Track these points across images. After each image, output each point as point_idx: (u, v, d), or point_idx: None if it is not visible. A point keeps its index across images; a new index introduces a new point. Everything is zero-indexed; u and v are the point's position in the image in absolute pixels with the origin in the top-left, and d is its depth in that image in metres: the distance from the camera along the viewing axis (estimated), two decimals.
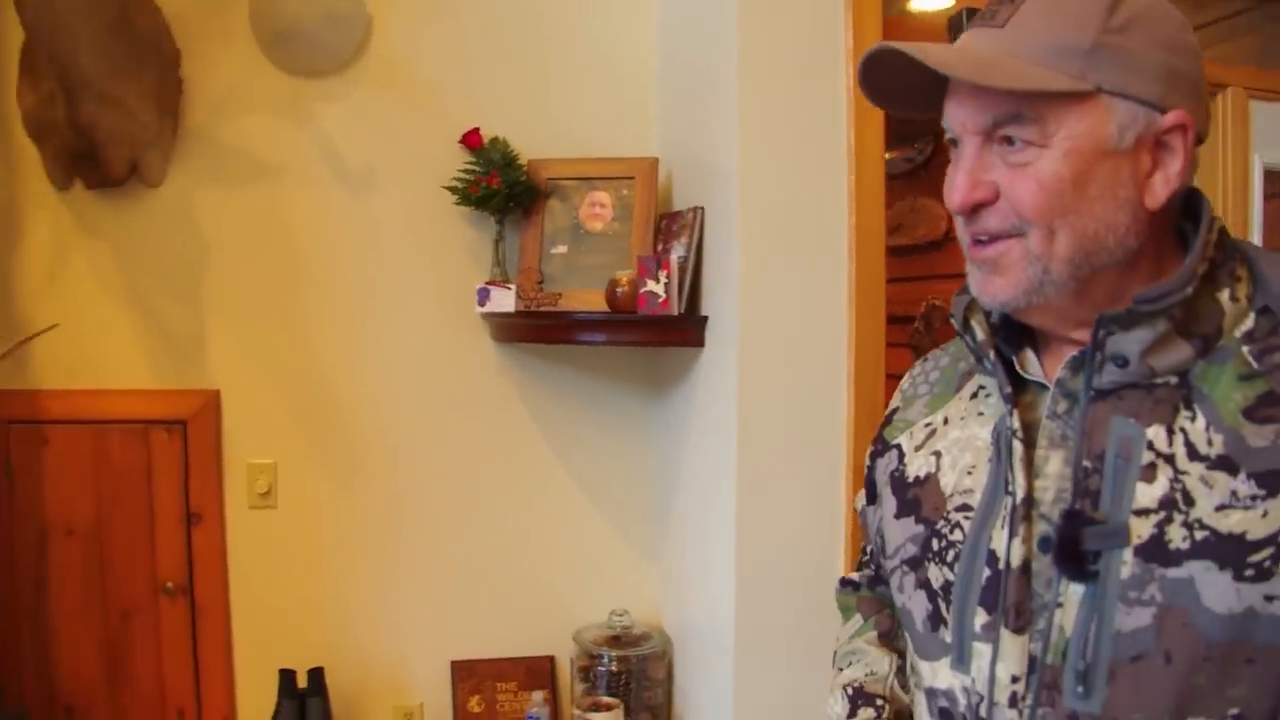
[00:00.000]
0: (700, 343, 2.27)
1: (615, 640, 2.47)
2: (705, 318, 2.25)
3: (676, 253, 2.27)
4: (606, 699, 2.34)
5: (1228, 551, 0.88)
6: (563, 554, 2.61)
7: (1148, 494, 0.92)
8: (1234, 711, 0.88)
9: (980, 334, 1.07)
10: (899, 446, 1.19)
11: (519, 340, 2.49)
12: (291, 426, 2.49)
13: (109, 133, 2.31)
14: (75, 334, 2.33)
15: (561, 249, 2.44)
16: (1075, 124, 0.92)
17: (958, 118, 0.98)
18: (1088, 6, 0.93)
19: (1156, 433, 0.94)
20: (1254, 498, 0.88)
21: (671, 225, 2.34)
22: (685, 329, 2.27)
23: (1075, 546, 0.94)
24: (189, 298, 2.46)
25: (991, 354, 1.05)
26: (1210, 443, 0.91)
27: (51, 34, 2.14)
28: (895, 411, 1.23)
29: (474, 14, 2.52)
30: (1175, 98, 0.92)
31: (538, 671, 2.58)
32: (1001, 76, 0.93)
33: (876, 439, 1.25)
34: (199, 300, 2.46)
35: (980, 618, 1.01)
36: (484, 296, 2.42)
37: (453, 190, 2.43)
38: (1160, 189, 0.94)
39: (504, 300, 2.41)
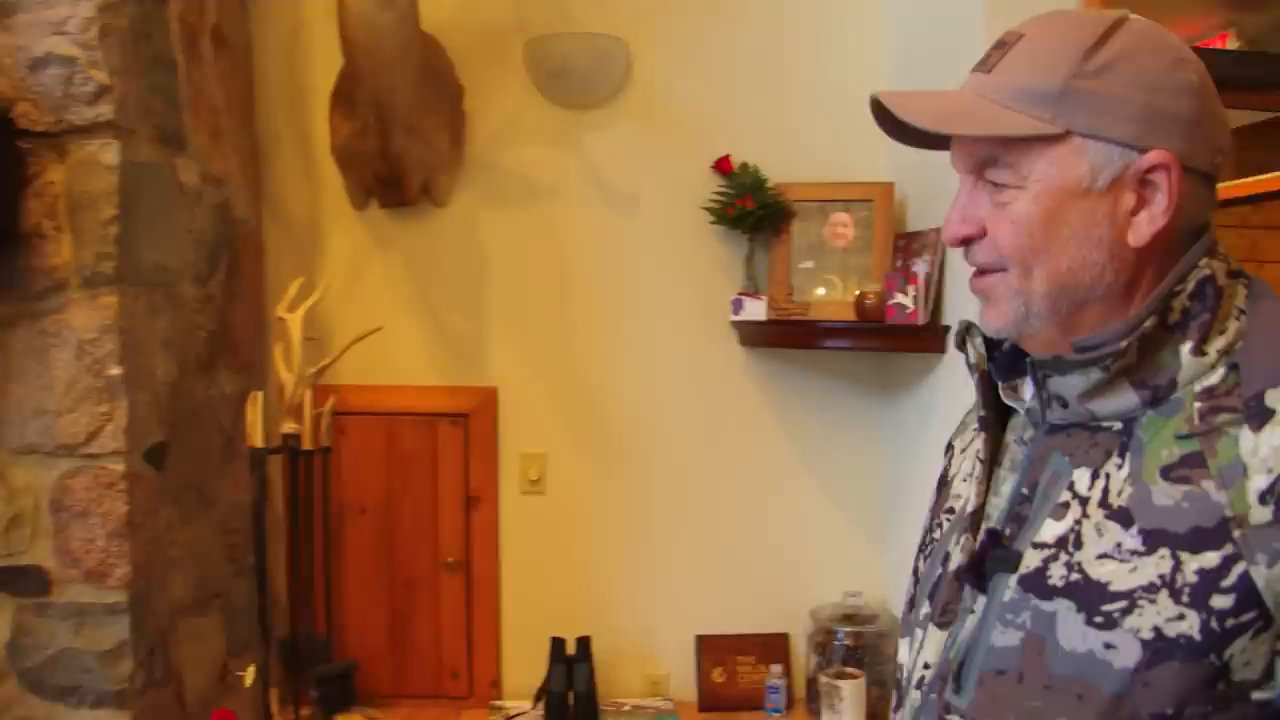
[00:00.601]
0: (941, 349, 2.51)
1: (849, 618, 2.72)
2: (947, 326, 2.50)
3: (921, 268, 2.52)
4: (850, 669, 2.59)
5: (1088, 596, 0.92)
6: (798, 541, 2.86)
7: (1050, 530, 0.97)
8: None
9: (973, 356, 1.11)
10: (953, 447, 1.26)
11: (766, 345, 2.76)
12: (560, 420, 2.78)
13: (413, 160, 2.62)
14: (372, 337, 2.61)
15: (808, 264, 2.70)
16: (1047, 166, 0.95)
17: (953, 158, 1.04)
18: (1065, 50, 0.94)
19: (1081, 475, 0.97)
20: (1133, 553, 0.90)
21: (911, 244, 2.60)
22: (927, 336, 2.51)
23: (981, 564, 1.02)
24: (471, 305, 2.77)
25: (975, 377, 1.11)
26: (1120, 493, 0.93)
27: (376, 75, 2.45)
28: (967, 415, 1.27)
29: (723, 50, 2.78)
30: (1155, 137, 0.92)
31: (774, 647, 2.84)
32: (963, 124, 0.98)
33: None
34: (480, 307, 2.77)
35: (924, 609, 1.10)
36: (738, 306, 2.68)
37: (710, 210, 2.70)
38: (1145, 227, 0.94)
39: (756, 309, 2.67)
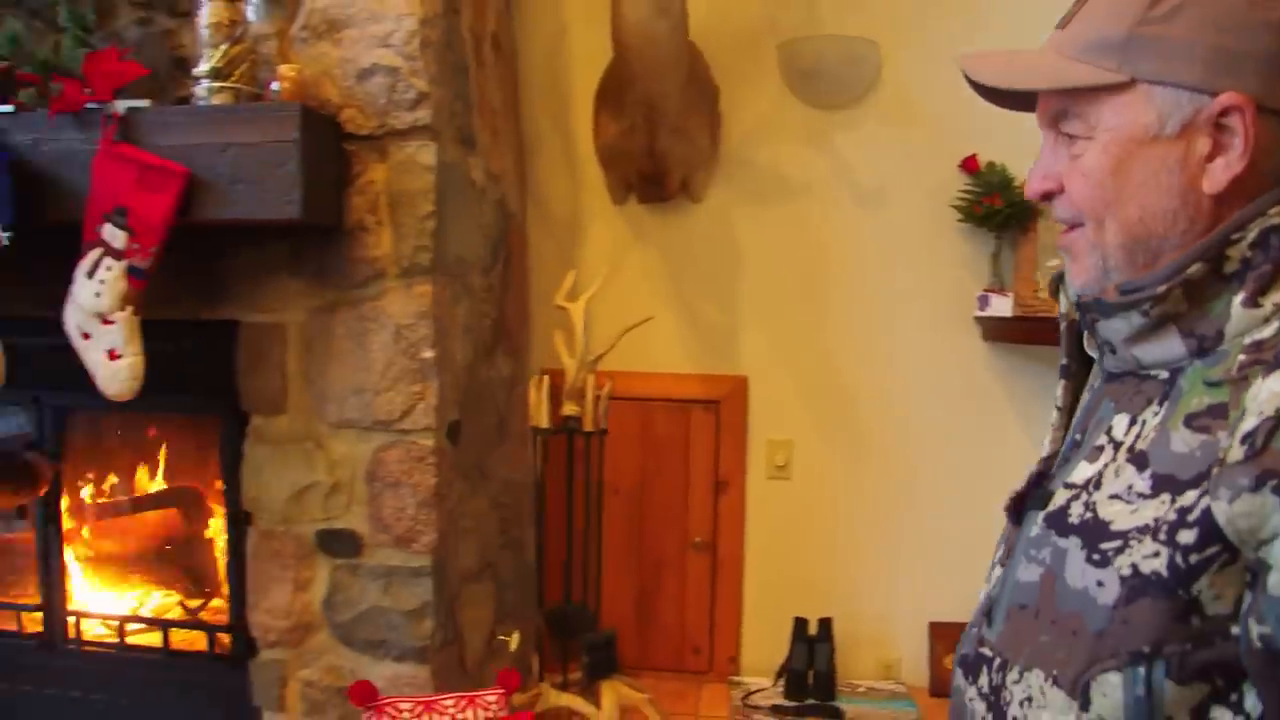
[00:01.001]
0: None
1: None
2: None
3: None
4: None
5: (1093, 534, 0.91)
6: None
7: (1082, 472, 0.97)
8: (1055, 672, 0.92)
9: (1064, 305, 1.10)
10: None
11: (1009, 340, 2.80)
12: (807, 409, 2.89)
13: (676, 158, 2.76)
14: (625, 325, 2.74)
15: (1054, 262, 2.74)
16: (1114, 116, 0.93)
17: (1037, 115, 1.03)
18: None
19: (1120, 420, 0.96)
20: (1140, 495, 0.89)
21: None
22: None
23: (1022, 502, 1.05)
24: (724, 297, 2.89)
25: (1063, 325, 1.10)
26: (1143, 437, 0.92)
27: (649, 79, 2.59)
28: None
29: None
30: (1227, 79, 0.88)
31: None
32: (1025, 78, 0.99)
33: None
34: (732, 299, 2.89)
35: (1000, 550, 1.11)
36: (984, 301, 2.74)
37: (957, 209, 2.76)
38: (1220, 173, 0.90)
39: (1002, 305, 2.72)
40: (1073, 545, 0.93)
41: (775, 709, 2.72)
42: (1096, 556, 0.90)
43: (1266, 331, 0.87)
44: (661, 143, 2.70)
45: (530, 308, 2.91)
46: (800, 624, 2.81)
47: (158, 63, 2.23)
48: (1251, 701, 0.83)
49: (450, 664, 2.38)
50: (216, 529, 2.72)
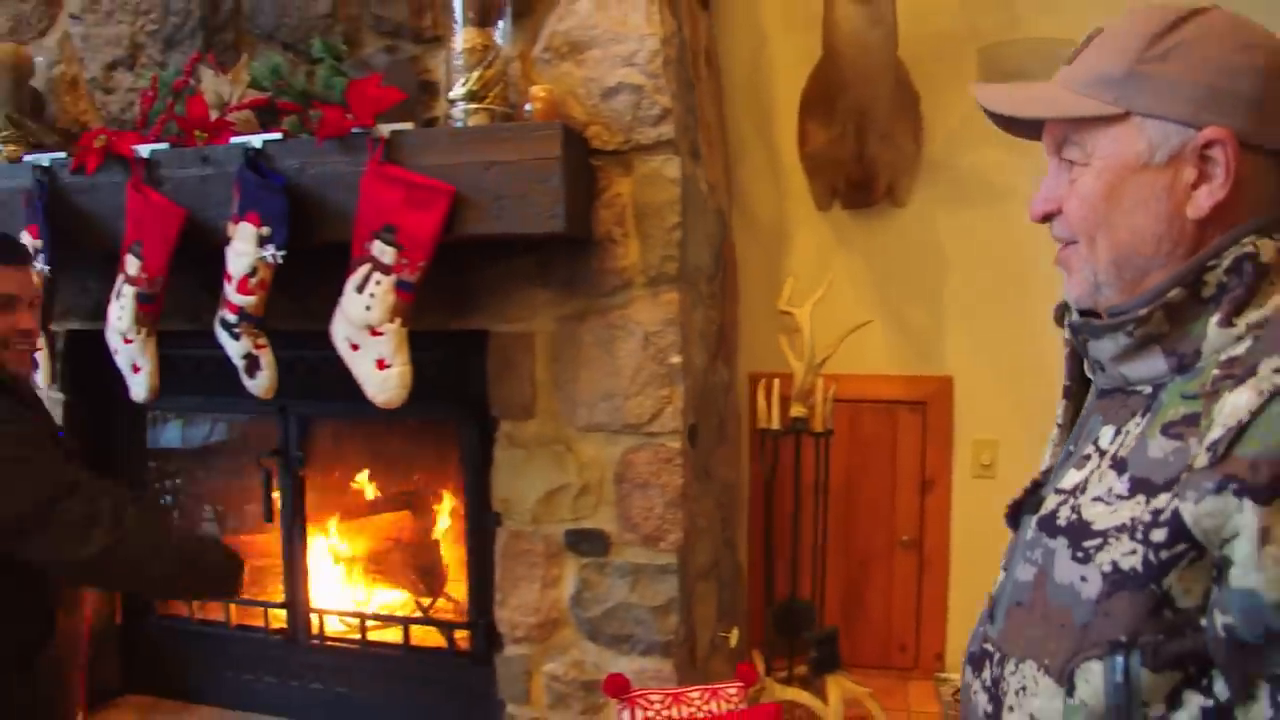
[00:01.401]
0: None
1: None
2: None
3: None
4: None
5: (1078, 534, 0.98)
6: None
7: (1071, 478, 1.05)
8: (1045, 662, 0.98)
9: (1067, 332, 1.15)
10: None
11: None
12: (1013, 409, 2.92)
13: (883, 164, 2.82)
14: (835, 329, 2.76)
15: None
16: (1109, 144, 1.01)
17: (1043, 143, 1.10)
18: (1133, 38, 1.00)
19: (1107, 431, 1.03)
20: (1119, 497, 0.96)
21: None
22: None
23: (1019, 508, 1.12)
24: (928, 299, 2.94)
25: (1066, 351, 1.16)
26: (1125, 445, 1.00)
27: (861, 86, 2.66)
28: None
29: None
30: (1213, 115, 0.96)
31: None
32: (1028, 107, 1.08)
33: None
34: (936, 301, 2.94)
35: (1005, 556, 1.17)
36: None
37: None
38: (1203, 200, 0.97)
39: None
40: (1060, 545, 1.00)
41: None
42: (1080, 554, 0.97)
43: (1239, 349, 0.93)
44: (871, 149, 2.76)
45: (738, 312, 2.99)
46: None
47: (406, 87, 2.34)
48: (1220, 687, 0.89)
49: (684, 659, 2.47)
50: (441, 531, 2.86)
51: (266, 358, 2.32)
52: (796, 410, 2.62)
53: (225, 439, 3.07)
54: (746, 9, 3.02)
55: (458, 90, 2.23)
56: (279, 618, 2.81)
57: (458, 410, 2.51)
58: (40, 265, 2.41)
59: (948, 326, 2.94)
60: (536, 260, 2.36)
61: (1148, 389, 1.00)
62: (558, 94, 2.29)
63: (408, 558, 2.89)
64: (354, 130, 2.25)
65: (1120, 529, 0.94)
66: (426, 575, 2.84)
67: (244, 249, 2.26)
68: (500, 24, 2.30)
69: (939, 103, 2.92)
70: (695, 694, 2.32)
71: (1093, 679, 0.93)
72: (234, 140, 2.34)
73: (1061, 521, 1.01)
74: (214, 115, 2.41)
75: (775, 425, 2.59)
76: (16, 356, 1.90)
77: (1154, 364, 0.99)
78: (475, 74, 2.23)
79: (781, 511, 2.81)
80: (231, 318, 2.31)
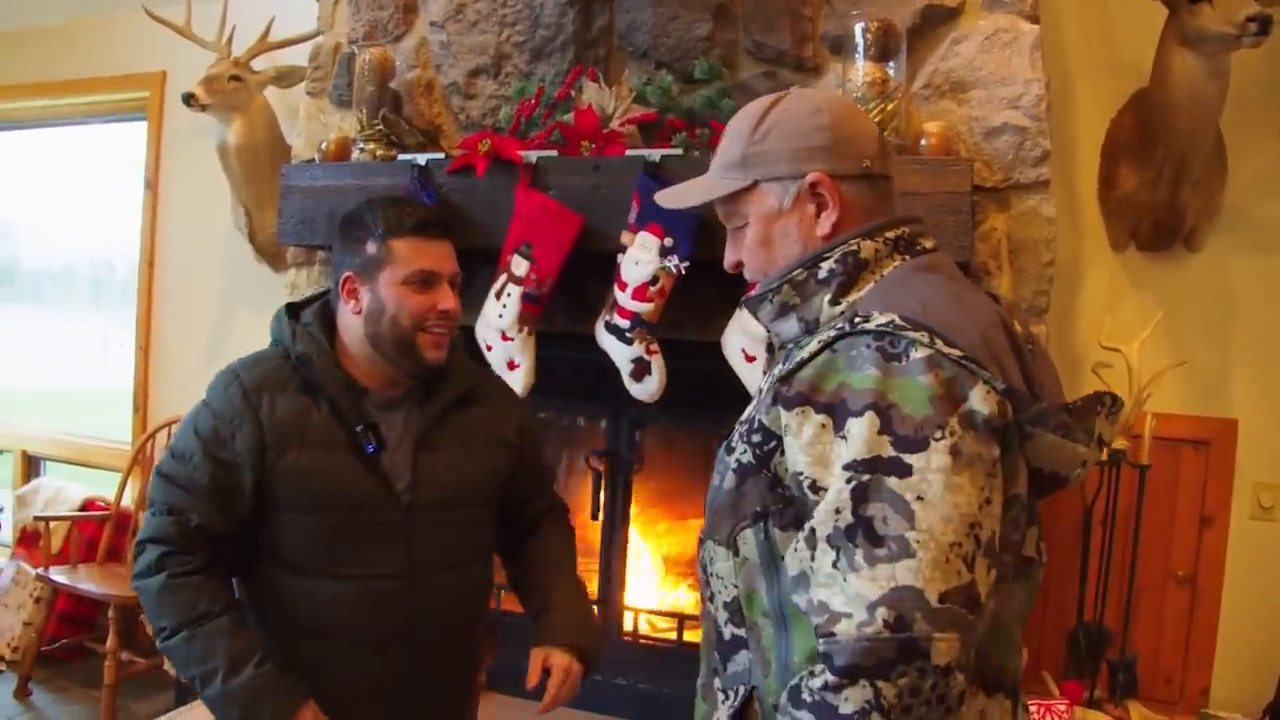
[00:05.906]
0: None
1: None
2: None
3: None
4: None
5: (728, 447, 1.38)
6: None
7: (745, 412, 1.39)
8: (718, 537, 1.36)
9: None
10: None
11: None
12: None
13: (1194, 210, 2.91)
14: (1119, 365, 2.85)
15: None
16: (753, 206, 1.39)
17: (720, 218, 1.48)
18: (742, 130, 1.39)
19: (768, 377, 1.36)
20: (746, 419, 1.36)
21: None
22: None
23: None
24: (1216, 342, 3.03)
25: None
26: (766, 383, 1.37)
27: (1190, 135, 2.76)
28: None
29: None
30: (807, 165, 1.34)
31: None
32: (684, 198, 1.47)
33: None
34: (1225, 344, 3.03)
35: None
36: None
37: None
38: (825, 222, 1.35)
39: None
40: (724, 456, 1.37)
41: None
42: (729, 458, 1.34)
43: (840, 322, 1.26)
44: (1184, 195, 2.86)
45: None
46: None
47: None
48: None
49: None
50: None
51: (657, 362, 2.45)
52: (1119, 443, 2.72)
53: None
54: (1050, 50, 3.11)
55: None
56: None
57: None
58: None
59: (1235, 371, 3.03)
60: None
61: (791, 346, 1.37)
62: (950, 131, 2.41)
63: None
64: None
65: (740, 436, 1.33)
66: None
67: (643, 257, 2.39)
68: (893, 61, 2.42)
69: (1241, 150, 3.00)
70: (1032, 707, 2.43)
71: (748, 541, 1.29)
72: (629, 152, 2.47)
73: (730, 443, 1.37)
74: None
75: (1102, 457, 2.70)
76: (433, 340, 1.81)
77: (791, 326, 1.36)
78: (874, 105, 2.35)
79: (1103, 538, 2.89)
80: (623, 323, 2.44)
